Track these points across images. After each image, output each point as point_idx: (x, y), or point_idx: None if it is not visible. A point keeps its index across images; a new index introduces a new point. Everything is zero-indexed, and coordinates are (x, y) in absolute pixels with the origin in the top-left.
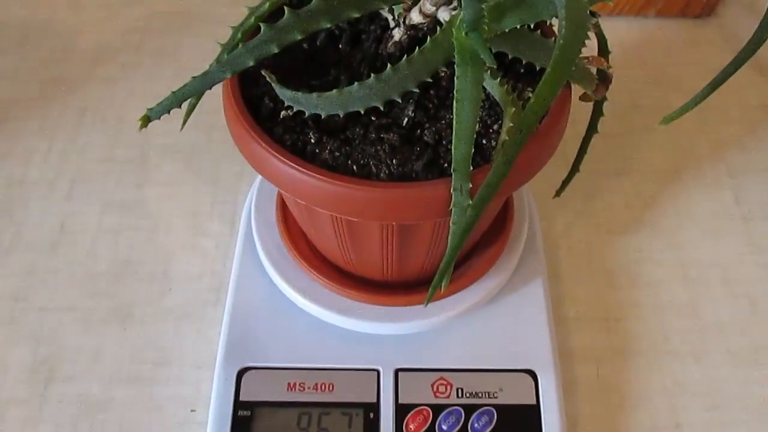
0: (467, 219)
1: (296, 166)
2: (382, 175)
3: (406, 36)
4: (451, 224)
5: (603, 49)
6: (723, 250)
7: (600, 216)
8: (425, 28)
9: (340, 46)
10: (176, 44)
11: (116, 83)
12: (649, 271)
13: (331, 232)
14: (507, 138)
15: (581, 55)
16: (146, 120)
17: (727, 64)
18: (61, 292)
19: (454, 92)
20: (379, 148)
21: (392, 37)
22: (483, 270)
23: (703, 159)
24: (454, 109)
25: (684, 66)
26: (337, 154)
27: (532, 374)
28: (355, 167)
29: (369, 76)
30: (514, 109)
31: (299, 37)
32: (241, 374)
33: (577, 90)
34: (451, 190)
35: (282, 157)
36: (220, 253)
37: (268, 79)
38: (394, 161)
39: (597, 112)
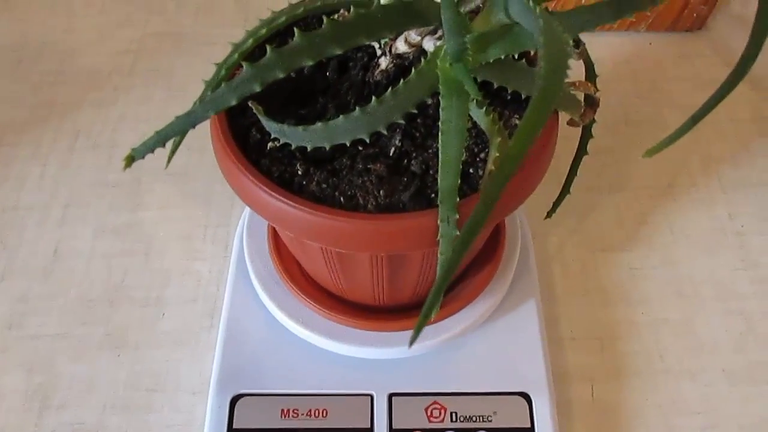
0: (450, 259)
1: (284, 200)
2: (369, 206)
3: (392, 64)
4: (438, 255)
5: (590, 73)
6: (717, 267)
7: (593, 233)
8: (411, 57)
9: (328, 73)
10: (169, 66)
11: (109, 106)
12: (644, 288)
13: (321, 261)
14: (493, 168)
15: (567, 80)
16: (130, 160)
17: (713, 91)
18: (54, 319)
19: (440, 124)
20: (366, 179)
21: (379, 65)
22: (475, 293)
23: (696, 174)
24: (440, 141)
25: (675, 80)
26: (324, 185)
27: (526, 397)
28: (342, 199)
29: (356, 104)
30: (500, 138)
31: (281, 75)
32: (234, 401)
33: (564, 115)
34: (438, 222)
35: (269, 191)
36: (214, 277)
37: (254, 110)
38: (381, 192)
39: (586, 134)
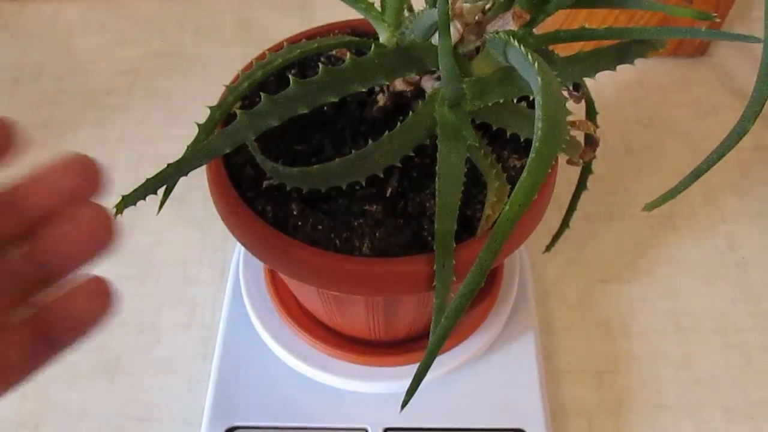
0: (443, 327)
1: (278, 242)
2: (364, 249)
3: (390, 102)
4: (434, 299)
5: (591, 111)
6: (717, 299)
7: (592, 264)
8: (409, 95)
9: (325, 108)
10: (168, 86)
11: (108, 126)
12: (643, 320)
13: (317, 298)
14: (491, 213)
15: (567, 119)
16: (121, 207)
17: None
18: None
19: (437, 168)
20: (362, 221)
21: (377, 102)
22: (471, 328)
23: (697, 204)
24: (437, 185)
25: (677, 107)
26: (319, 227)
27: None
28: (338, 241)
29: (353, 140)
30: (498, 183)
31: (276, 124)
32: None
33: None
34: (434, 267)
35: (264, 233)
36: (209, 303)
37: (250, 148)
38: (377, 235)
39: (586, 171)
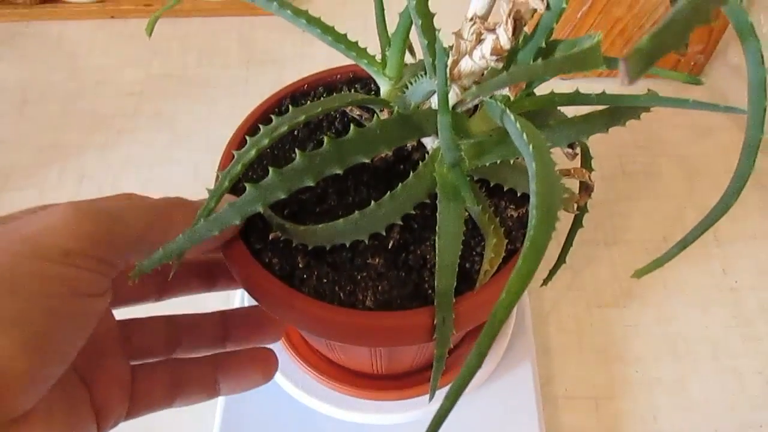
0: (443, 408)
1: (285, 295)
2: (368, 302)
3: (391, 153)
4: (435, 349)
5: (586, 157)
6: (711, 323)
7: (588, 289)
8: (410, 148)
9: None
10: (172, 109)
11: (113, 149)
12: (638, 346)
13: (321, 340)
14: (489, 268)
15: (562, 168)
16: (136, 274)
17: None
18: None
19: (437, 227)
20: (365, 274)
21: (380, 152)
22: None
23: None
24: (437, 244)
25: (673, 129)
26: (324, 280)
27: None
28: (342, 294)
29: (355, 189)
30: (495, 239)
31: (283, 196)
32: None
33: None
34: (435, 321)
35: (271, 288)
36: None
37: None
38: (379, 288)
39: (582, 210)
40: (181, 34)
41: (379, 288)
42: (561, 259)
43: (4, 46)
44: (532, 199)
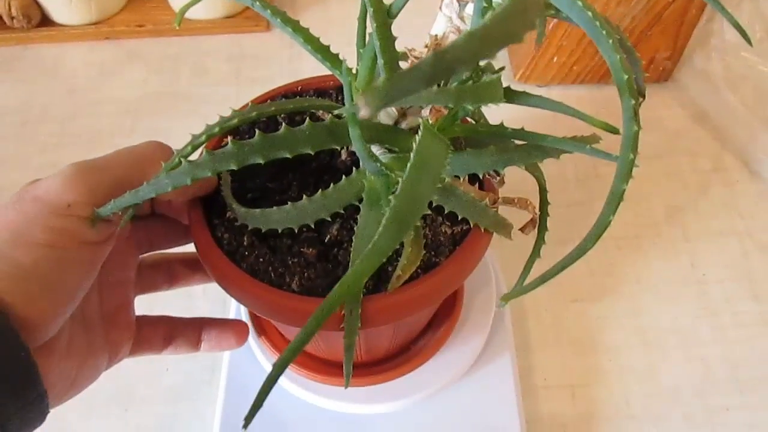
0: (267, 380)
1: (223, 266)
2: (293, 285)
3: (349, 157)
4: (343, 339)
5: (542, 191)
6: (680, 315)
7: (565, 284)
8: None
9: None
10: (166, 126)
11: None
12: (611, 337)
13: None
14: (401, 273)
15: (508, 197)
16: (96, 220)
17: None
18: None
19: (355, 228)
20: (296, 260)
21: (340, 156)
22: (435, 348)
23: (661, 224)
24: (353, 243)
25: (642, 131)
26: (261, 260)
27: None
28: (273, 275)
29: (315, 185)
30: (410, 249)
31: (209, 174)
32: None
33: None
34: (342, 312)
35: (216, 260)
36: None
37: (222, 181)
38: (306, 275)
39: (539, 241)
40: (172, 53)
41: (306, 275)
42: (534, 254)
43: (3, 71)
44: (387, 212)
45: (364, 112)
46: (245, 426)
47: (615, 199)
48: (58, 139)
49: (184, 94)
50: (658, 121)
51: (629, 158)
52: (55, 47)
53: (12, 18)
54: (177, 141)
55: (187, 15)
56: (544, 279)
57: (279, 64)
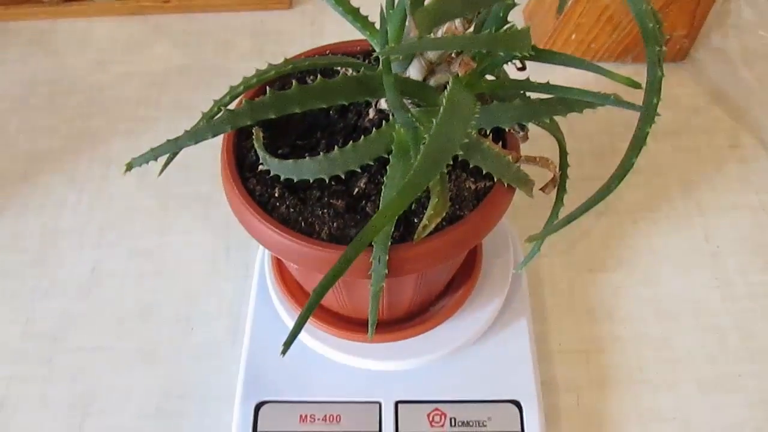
0: (315, 293)
1: (257, 216)
2: (323, 234)
3: (377, 116)
4: (370, 287)
5: (562, 150)
6: (693, 285)
7: (581, 255)
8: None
9: (331, 112)
10: (192, 99)
11: (138, 136)
12: (626, 306)
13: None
14: (427, 223)
15: (529, 155)
16: (129, 167)
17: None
18: (93, 334)
19: (385, 178)
20: (326, 211)
21: (368, 114)
22: (455, 308)
23: (676, 199)
24: (383, 193)
25: (659, 109)
26: (291, 210)
27: (517, 404)
28: (303, 224)
29: (343, 143)
30: (437, 199)
31: (249, 122)
32: (258, 408)
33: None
34: (371, 259)
35: (249, 207)
36: (237, 295)
37: (254, 137)
38: (335, 225)
39: (559, 195)
40: (197, 29)
41: (335, 225)
42: (553, 216)
43: (34, 44)
44: (422, 149)
45: (413, 34)
46: (283, 352)
47: (639, 142)
48: (87, 110)
49: (208, 68)
50: (674, 98)
51: (653, 102)
52: (83, 22)
53: None
54: (200, 112)
55: None
56: (569, 219)
57: (301, 40)
